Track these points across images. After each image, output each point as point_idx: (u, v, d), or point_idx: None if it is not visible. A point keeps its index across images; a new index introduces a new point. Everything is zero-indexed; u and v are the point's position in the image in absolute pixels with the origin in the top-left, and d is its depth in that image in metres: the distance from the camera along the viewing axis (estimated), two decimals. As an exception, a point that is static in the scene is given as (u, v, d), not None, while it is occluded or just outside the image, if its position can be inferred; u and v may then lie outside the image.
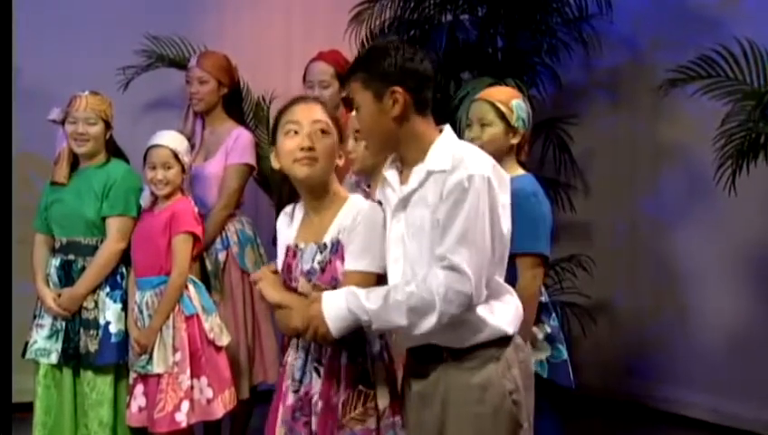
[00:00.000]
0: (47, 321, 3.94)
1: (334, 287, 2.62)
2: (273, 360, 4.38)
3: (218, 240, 4.33)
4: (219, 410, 3.88)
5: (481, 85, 4.23)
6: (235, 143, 4.39)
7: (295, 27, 5.75)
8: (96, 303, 3.91)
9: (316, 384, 2.68)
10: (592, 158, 5.71)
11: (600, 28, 5.33)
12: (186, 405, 3.78)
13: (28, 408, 4.04)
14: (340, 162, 2.76)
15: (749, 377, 5.07)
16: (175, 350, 3.80)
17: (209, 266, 4.29)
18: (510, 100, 3.41)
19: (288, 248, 2.76)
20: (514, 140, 3.39)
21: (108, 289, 3.92)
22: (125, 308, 3.92)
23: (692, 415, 5.30)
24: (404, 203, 2.58)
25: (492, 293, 2.54)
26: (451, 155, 2.52)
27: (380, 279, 2.63)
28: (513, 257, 2.77)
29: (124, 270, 3.95)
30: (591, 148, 5.67)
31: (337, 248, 2.65)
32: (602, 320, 5.61)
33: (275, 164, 2.74)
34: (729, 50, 4.40)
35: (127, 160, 4.06)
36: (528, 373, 2.65)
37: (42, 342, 3.92)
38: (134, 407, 3.84)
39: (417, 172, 2.56)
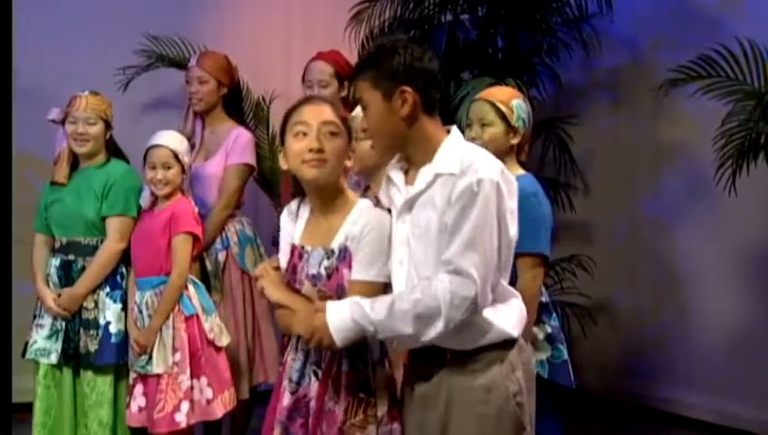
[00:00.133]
0: (47, 321, 3.94)
1: (340, 295, 2.61)
2: (273, 360, 4.38)
3: (218, 240, 4.33)
4: (219, 410, 3.88)
5: (481, 85, 4.23)
6: (235, 143, 4.39)
7: (295, 27, 5.75)
8: (96, 303, 3.90)
9: (314, 387, 2.67)
10: (592, 158, 5.71)
11: (600, 28, 5.33)
12: (185, 405, 3.77)
13: (28, 408, 4.03)
14: (350, 163, 2.72)
15: (749, 377, 5.07)
16: (175, 350, 3.80)
17: (209, 267, 4.29)
18: (510, 100, 3.41)
19: (294, 248, 2.74)
20: (515, 140, 3.39)
21: (108, 289, 3.92)
22: (125, 308, 3.91)
23: (692, 415, 5.30)
24: (410, 204, 2.57)
25: (497, 296, 2.53)
26: (460, 158, 2.50)
27: (387, 287, 2.62)
28: (513, 257, 2.77)
29: (124, 270, 3.95)
30: (592, 148, 5.67)
31: (345, 256, 2.63)
32: (602, 320, 5.61)
33: (283, 165, 2.71)
34: (729, 50, 4.40)
35: (127, 160, 4.06)
36: (530, 375, 2.64)
37: (41, 342, 3.92)
38: (134, 407, 3.83)
39: (425, 174, 2.54)
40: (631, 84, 5.56)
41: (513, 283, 2.77)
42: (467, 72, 5.25)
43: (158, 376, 3.78)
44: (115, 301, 3.91)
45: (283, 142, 2.72)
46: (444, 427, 2.55)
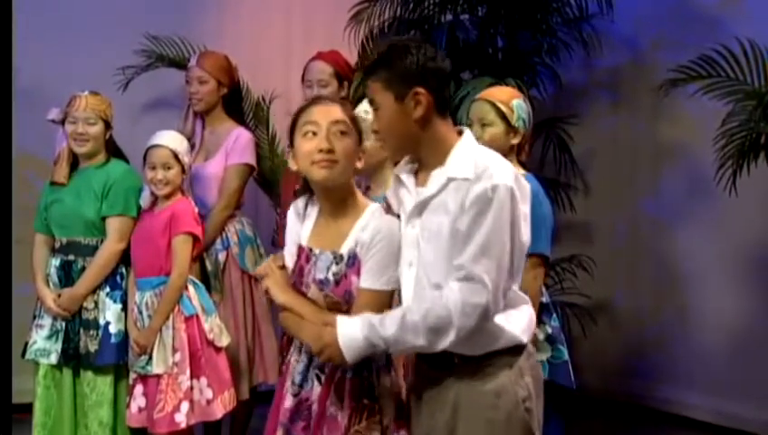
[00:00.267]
0: (47, 321, 3.93)
1: (347, 301, 2.59)
2: (273, 360, 4.38)
3: (218, 240, 4.33)
4: (219, 410, 3.88)
5: (481, 85, 4.23)
6: (235, 143, 4.39)
7: (295, 27, 5.75)
8: (96, 303, 3.90)
9: (316, 391, 2.65)
10: (593, 158, 5.71)
11: (600, 28, 5.32)
12: (185, 406, 3.77)
13: (28, 409, 4.03)
14: (360, 164, 2.67)
15: (750, 377, 5.06)
16: (174, 350, 3.80)
17: (209, 267, 4.29)
18: (510, 100, 3.41)
19: (301, 250, 2.70)
20: (515, 140, 3.39)
21: (108, 289, 3.91)
22: (125, 308, 3.91)
23: (692, 416, 5.30)
24: (421, 208, 2.52)
25: (509, 302, 2.50)
26: (473, 162, 2.46)
27: (395, 293, 2.60)
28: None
29: (124, 270, 3.95)
30: (592, 148, 5.67)
31: (353, 262, 2.59)
32: (602, 320, 5.61)
33: (293, 166, 2.66)
34: (730, 50, 4.39)
35: (126, 160, 4.05)
36: (539, 381, 2.61)
37: (41, 342, 3.92)
38: (134, 407, 3.83)
39: (437, 177, 2.50)
40: (631, 84, 5.56)
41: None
42: (467, 72, 5.25)
43: (158, 376, 3.78)
44: (115, 301, 3.91)
45: (291, 144, 2.68)
46: (451, 432, 2.52)
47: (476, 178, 2.43)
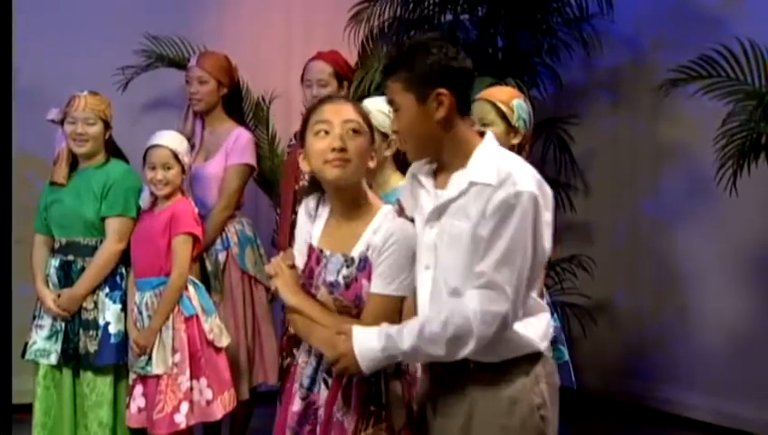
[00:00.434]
0: (47, 321, 3.93)
1: (357, 305, 2.55)
2: (273, 361, 4.38)
3: (218, 241, 4.32)
4: (219, 411, 3.87)
5: (481, 85, 4.20)
6: (235, 144, 4.39)
7: (295, 27, 5.74)
8: (96, 303, 3.90)
9: (323, 395, 2.61)
10: (593, 158, 5.70)
11: (600, 28, 5.32)
12: (185, 406, 3.77)
13: (28, 409, 4.03)
14: (372, 164, 2.62)
15: (750, 377, 5.06)
16: (174, 351, 3.79)
17: (209, 267, 4.29)
18: (511, 99, 3.40)
19: (312, 250, 2.65)
20: (515, 140, 3.38)
21: (107, 290, 3.91)
22: (124, 309, 3.91)
23: (693, 416, 5.30)
24: (440, 211, 2.46)
25: (528, 310, 2.46)
26: (496, 167, 2.41)
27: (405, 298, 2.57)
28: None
29: (124, 271, 3.94)
30: (592, 148, 5.67)
31: (365, 265, 2.55)
32: (603, 320, 5.61)
33: (304, 166, 2.62)
34: (730, 50, 4.40)
35: (126, 160, 4.05)
36: (554, 388, 2.56)
37: (41, 342, 3.92)
38: (133, 408, 3.83)
39: (458, 180, 2.45)
40: (632, 84, 5.55)
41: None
42: (467, 72, 5.24)
43: (158, 377, 3.78)
44: (115, 301, 3.91)
45: (303, 144, 2.63)
46: None
47: (499, 184, 2.38)
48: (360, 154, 2.55)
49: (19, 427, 4.36)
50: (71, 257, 3.93)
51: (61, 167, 3.97)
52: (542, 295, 3.31)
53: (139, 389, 3.83)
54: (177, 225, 3.86)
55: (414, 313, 2.55)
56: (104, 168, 3.97)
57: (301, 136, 2.66)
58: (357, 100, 3.45)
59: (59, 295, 3.90)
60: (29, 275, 4.05)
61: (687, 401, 5.32)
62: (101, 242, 3.92)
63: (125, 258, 3.93)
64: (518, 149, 3.41)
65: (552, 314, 3.42)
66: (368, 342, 2.43)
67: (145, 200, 3.95)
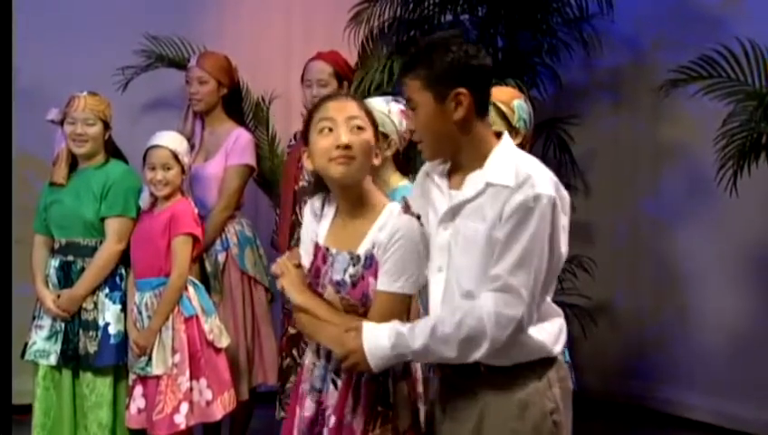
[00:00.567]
0: (46, 322, 3.93)
1: (364, 303, 2.53)
2: (273, 361, 4.38)
3: (218, 241, 4.32)
4: (218, 411, 3.87)
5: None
6: (235, 144, 4.38)
7: (295, 27, 5.74)
8: (95, 304, 3.90)
9: (332, 397, 2.59)
10: (593, 158, 5.70)
11: (600, 28, 5.32)
12: (185, 407, 3.77)
13: (27, 410, 4.03)
14: (377, 161, 2.59)
15: (750, 378, 5.06)
16: (174, 351, 3.79)
17: (209, 268, 4.28)
18: (511, 100, 3.39)
19: (318, 249, 2.63)
20: (516, 141, 3.34)
21: (107, 290, 3.91)
22: (124, 309, 3.91)
23: (693, 417, 5.29)
24: (455, 211, 2.43)
25: (542, 314, 2.43)
26: (514, 169, 2.38)
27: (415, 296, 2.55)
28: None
29: (123, 271, 3.94)
30: (592, 148, 5.66)
31: (371, 263, 2.52)
32: (603, 321, 5.60)
33: (309, 165, 2.59)
34: (730, 50, 4.39)
35: (126, 161, 4.05)
36: (567, 392, 2.53)
37: (41, 343, 3.92)
38: (133, 408, 3.83)
39: (474, 181, 2.42)
40: (632, 85, 5.55)
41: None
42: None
43: (158, 377, 3.78)
44: (114, 302, 3.90)
45: (306, 142, 2.60)
46: None
47: (517, 186, 2.35)
48: (364, 151, 2.52)
49: (19, 427, 4.36)
50: (70, 258, 3.93)
51: (60, 167, 3.97)
52: None
53: (138, 389, 3.83)
54: (177, 225, 3.86)
55: (421, 315, 2.54)
56: (104, 168, 3.97)
57: (304, 135, 2.64)
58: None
59: (59, 296, 3.90)
60: (29, 275, 4.05)
61: (687, 401, 5.32)
62: (101, 242, 3.92)
63: (125, 259, 3.93)
64: (518, 150, 3.41)
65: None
66: (378, 339, 2.41)
67: (145, 201, 3.95)
